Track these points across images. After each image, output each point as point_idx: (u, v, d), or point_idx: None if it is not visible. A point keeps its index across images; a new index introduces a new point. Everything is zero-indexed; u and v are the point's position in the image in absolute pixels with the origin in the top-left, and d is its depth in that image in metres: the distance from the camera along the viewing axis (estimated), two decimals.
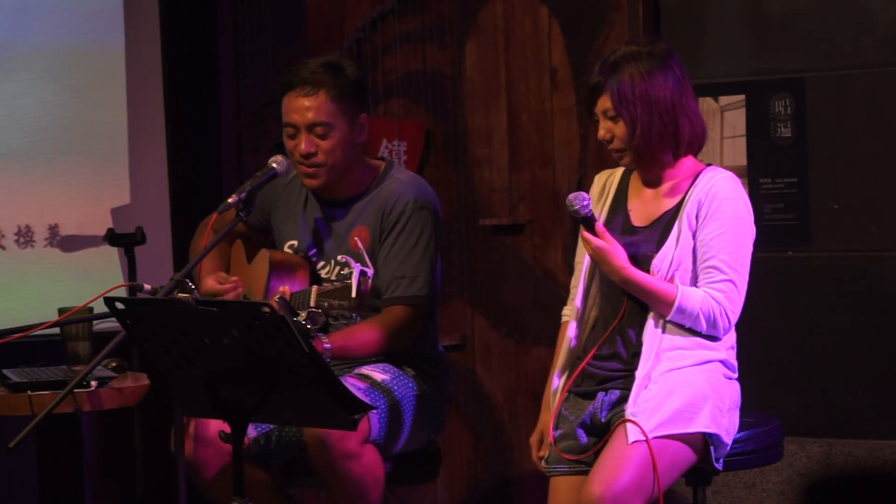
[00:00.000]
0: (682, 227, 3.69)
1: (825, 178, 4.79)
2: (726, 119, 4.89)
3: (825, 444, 4.77)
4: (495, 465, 5.27)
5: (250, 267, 4.21)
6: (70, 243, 5.17)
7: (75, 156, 5.20)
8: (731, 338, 3.76)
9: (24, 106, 5.13)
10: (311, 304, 3.65)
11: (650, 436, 3.53)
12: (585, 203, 3.68)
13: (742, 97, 4.88)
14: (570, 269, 3.98)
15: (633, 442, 3.53)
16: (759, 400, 4.34)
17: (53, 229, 5.15)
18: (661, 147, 3.70)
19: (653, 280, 3.66)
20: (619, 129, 3.70)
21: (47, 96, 5.16)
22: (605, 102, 3.71)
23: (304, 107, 4.03)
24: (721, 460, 3.70)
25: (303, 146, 4.03)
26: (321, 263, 4.15)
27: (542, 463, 3.78)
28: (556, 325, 3.94)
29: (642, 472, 3.52)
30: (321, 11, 5.48)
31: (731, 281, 3.67)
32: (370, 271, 3.50)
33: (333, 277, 4.09)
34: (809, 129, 4.80)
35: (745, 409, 3.80)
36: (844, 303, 4.76)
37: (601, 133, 3.74)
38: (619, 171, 3.88)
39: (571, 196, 3.70)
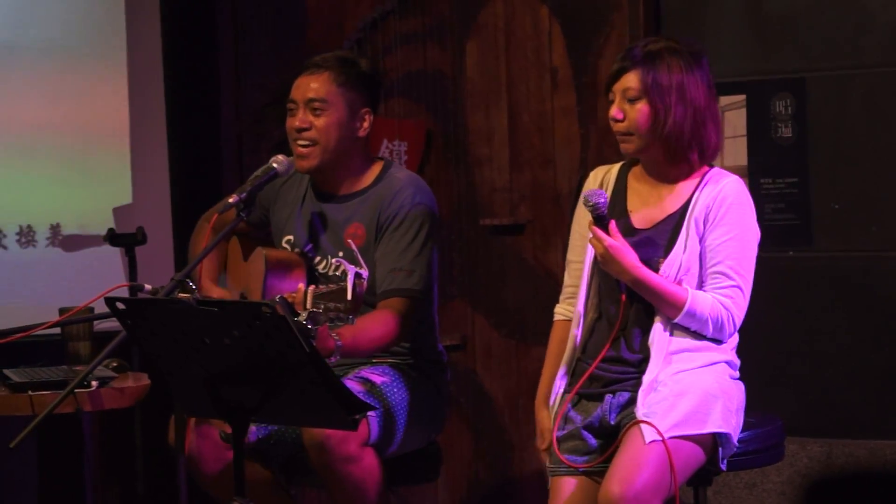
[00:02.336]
0: (689, 232, 3.68)
1: (825, 178, 4.79)
2: (727, 119, 4.89)
3: (826, 444, 4.77)
4: (496, 465, 5.27)
5: (246, 265, 4.21)
6: (71, 243, 5.17)
7: (77, 155, 5.20)
8: (734, 339, 3.76)
9: (26, 105, 5.13)
10: (308, 306, 3.65)
11: (666, 436, 3.53)
12: (602, 200, 3.67)
13: (742, 97, 4.88)
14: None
15: (651, 442, 3.53)
16: (759, 400, 4.34)
17: (55, 229, 5.15)
18: (690, 144, 3.68)
19: (664, 282, 3.65)
20: (635, 111, 3.67)
21: (49, 96, 5.16)
22: (628, 82, 3.67)
23: (306, 84, 4.07)
24: (725, 461, 3.71)
25: (297, 122, 4.05)
26: (318, 258, 4.15)
27: (547, 462, 3.76)
28: None
29: (660, 472, 3.51)
30: (321, 11, 5.48)
31: (737, 287, 3.66)
32: (365, 273, 3.50)
33: (330, 273, 4.10)
34: (810, 129, 4.80)
35: (745, 409, 3.80)
36: (844, 303, 4.76)
37: (613, 111, 3.70)
38: (616, 168, 3.86)
39: (588, 192, 3.68)
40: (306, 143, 4.06)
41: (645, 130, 3.68)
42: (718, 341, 3.70)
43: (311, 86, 4.06)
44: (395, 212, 4.07)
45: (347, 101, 4.08)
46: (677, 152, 3.70)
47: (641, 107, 3.67)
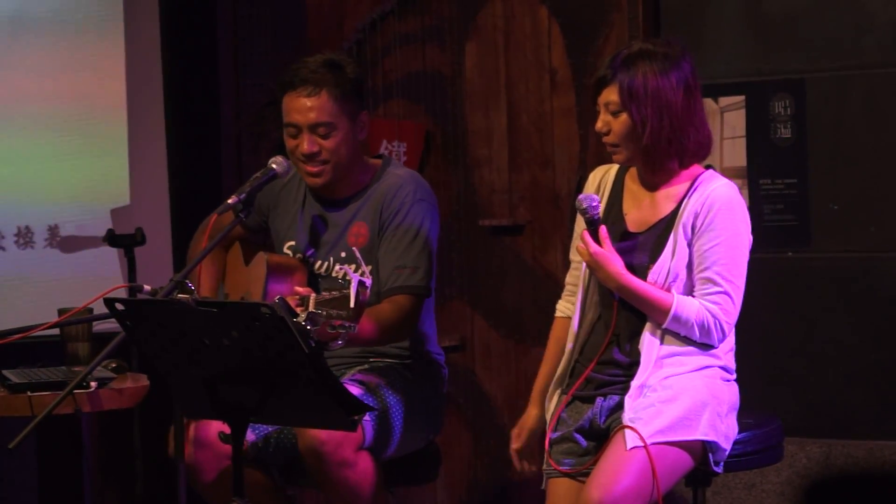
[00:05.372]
0: (677, 238, 3.68)
1: (825, 178, 4.79)
2: (726, 120, 4.89)
3: (825, 445, 4.77)
4: (495, 465, 5.27)
5: (248, 269, 4.21)
6: (70, 244, 5.17)
7: (75, 156, 5.20)
8: (729, 341, 3.75)
9: (24, 106, 5.13)
10: (310, 308, 3.64)
11: (649, 442, 3.52)
12: (594, 205, 3.68)
13: (742, 98, 4.88)
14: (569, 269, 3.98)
15: (632, 448, 3.52)
16: (759, 400, 4.34)
17: (53, 230, 5.15)
18: (668, 153, 3.68)
19: (649, 288, 3.65)
20: (618, 124, 3.68)
21: (47, 96, 5.15)
22: (610, 95, 3.67)
23: (306, 107, 4.03)
24: (721, 464, 3.70)
25: (305, 146, 4.03)
26: (318, 262, 4.15)
27: (544, 466, 3.77)
28: None
29: (641, 478, 3.51)
30: (321, 12, 5.48)
31: (725, 293, 3.65)
32: (368, 281, 3.49)
33: (332, 274, 4.10)
34: (809, 130, 4.80)
35: (745, 410, 3.80)
36: (844, 303, 4.76)
37: (599, 125, 3.71)
38: (615, 168, 3.86)
39: (582, 197, 3.69)
40: (318, 164, 4.05)
41: (629, 141, 3.68)
42: (708, 346, 3.69)
43: (312, 109, 4.01)
44: (396, 208, 4.07)
45: (348, 114, 4.06)
46: (655, 160, 3.70)
47: (624, 119, 3.67)
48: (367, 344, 4.01)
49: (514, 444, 3.86)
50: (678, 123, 3.65)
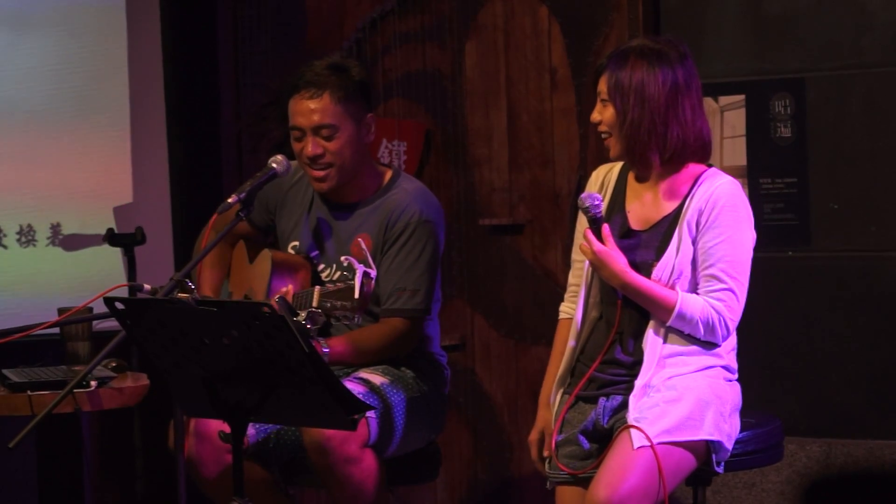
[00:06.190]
0: (682, 235, 3.68)
1: (825, 178, 4.79)
2: (726, 119, 4.90)
3: (825, 444, 4.77)
4: (495, 465, 5.27)
5: (252, 267, 4.22)
6: (72, 242, 5.17)
7: (77, 155, 5.21)
8: (731, 341, 3.75)
9: (27, 105, 5.14)
10: (314, 304, 3.65)
11: (655, 442, 3.52)
12: (597, 203, 3.68)
13: (742, 97, 4.88)
14: (569, 269, 3.98)
15: (638, 447, 3.53)
16: (759, 400, 4.34)
17: (55, 228, 5.16)
18: (648, 146, 3.68)
19: (653, 285, 3.65)
20: (607, 114, 3.71)
21: (49, 96, 5.16)
22: (601, 85, 3.72)
23: (308, 109, 4.04)
24: (722, 464, 3.70)
25: (309, 148, 4.04)
26: (322, 265, 4.15)
27: (546, 468, 3.77)
28: (556, 325, 3.94)
29: (647, 477, 3.51)
30: (321, 11, 5.48)
31: (730, 290, 3.65)
32: (373, 272, 3.50)
33: (335, 279, 4.10)
34: (809, 129, 4.80)
35: (745, 409, 3.80)
36: (844, 303, 4.76)
37: (592, 114, 3.76)
38: (617, 167, 3.87)
39: (584, 195, 3.70)
40: (322, 167, 4.06)
41: (617, 132, 3.70)
42: (712, 345, 3.69)
43: (315, 111, 4.03)
44: (402, 227, 4.07)
45: (352, 115, 4.06)
46: (635, 152, 3.71)
47: (611, 108, 3.70)
48: (354, 365, 4.05)
49: (545, 452, 3.80)
50: (660, 119, 3.66)
